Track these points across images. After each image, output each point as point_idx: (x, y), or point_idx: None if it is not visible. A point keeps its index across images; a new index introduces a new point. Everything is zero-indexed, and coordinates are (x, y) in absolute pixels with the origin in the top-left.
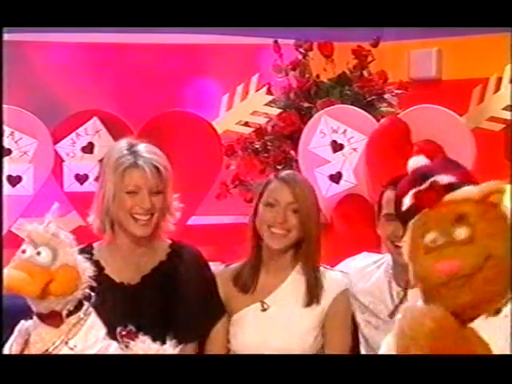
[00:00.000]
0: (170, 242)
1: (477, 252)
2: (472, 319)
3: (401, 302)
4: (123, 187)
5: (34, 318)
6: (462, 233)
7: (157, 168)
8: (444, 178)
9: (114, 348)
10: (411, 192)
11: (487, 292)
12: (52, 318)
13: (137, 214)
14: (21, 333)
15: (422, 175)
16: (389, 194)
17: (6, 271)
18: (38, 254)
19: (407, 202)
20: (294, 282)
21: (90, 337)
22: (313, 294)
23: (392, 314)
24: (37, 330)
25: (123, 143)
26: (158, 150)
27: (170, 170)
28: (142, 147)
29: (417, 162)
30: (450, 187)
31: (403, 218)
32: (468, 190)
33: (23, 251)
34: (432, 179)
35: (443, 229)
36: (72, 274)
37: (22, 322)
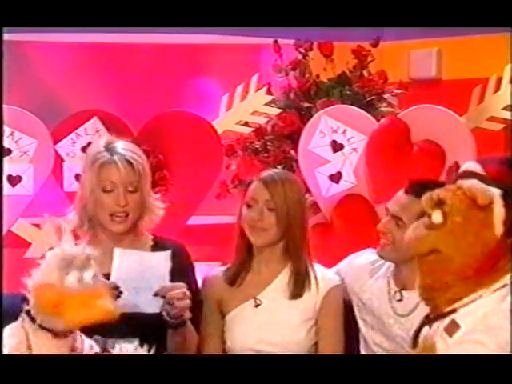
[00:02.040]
0: (152, 236)
1: (428, 240)
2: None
3: (398, 301)
4: (100, 184)
5: (33, 333)
6: (437, 217)
7: (131, 164)
8: (471, 166)
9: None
10: None
11: (436, 281)
12: (66, 334)
13: (114, 212)
14: (20, 339)
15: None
16: (399, 195)
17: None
18: (94, 277)
19: None
20: (286, 278)
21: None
22: (298, 288)
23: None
24: (42, 343)
25: (102, 141)
26: (136, 148)
27: (147, 167)
28: (120, 144)
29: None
30: (467, 175)
31: None
32: (467, 183)
33: (79, 280)
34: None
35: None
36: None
37: (14, 328)
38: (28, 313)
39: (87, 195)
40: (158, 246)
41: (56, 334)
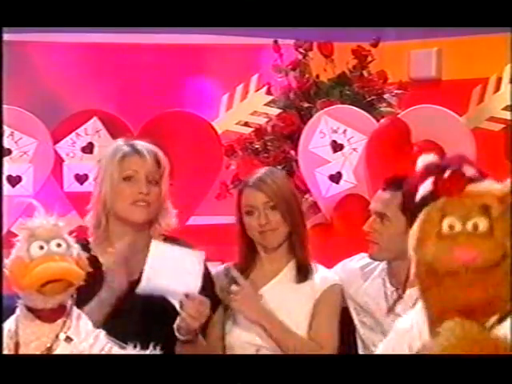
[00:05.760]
0: (163, 237)
1: (495, 247)
2: (483, 319)
3: (396, 301)
4: (121, 175)
5: (21, 318)
6: (482, 224)
7: (155, 155)
8: (467, 170)
9: (103, 336)
10: (429, 180)
11: (501, 291)
12: (54, 313)
13: (135, 200)
14: (8, 337)
15: (438, 166)
16: (379, 193)
17: (43, 266)
18: (59, 245)
19: (423, 190)
20: (289, 274)
21: (80, 329)
22: (305, 270)
23: (389, 311)
24: (30, 330)
25: (120, 140)
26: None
27: (168, 166)
28: (140, 141)
29: (427, 158)
30: (472, 179)
31: (416, 207)
32: (491, 185)
33: (41, 247)
34: (455, 168)
35: (464, 217)
36: (85, 262)
37: (4, 326)
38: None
39: (107, 190)
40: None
41: (39, 316)
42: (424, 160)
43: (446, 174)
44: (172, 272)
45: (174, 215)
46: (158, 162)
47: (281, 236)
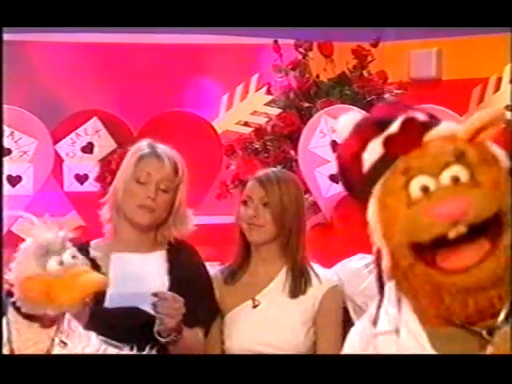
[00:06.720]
0: (168, 242)
1: (487, 197)
2: (495, 293)
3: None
4: (134, 175)
5: (15, 325)
6: (463, 174)
7: (171, 162)
8: (418, 115)
9: (94, 338)
10: (373, 143)
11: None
12: (54, 319)
13: (142, 204)
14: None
15: (378, 123)
16: None
17: (86, 278)
18: (74, 257)
19: (370, 157)
20: (284, 279)
21: (72, 332)
22: (297, 286)
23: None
24: (26, 336)
25: (144, 141)
26: (178, 153)
27: (185, 175)
28: (162, 145)
29: (353, 117)
30: (427, 125)
31: (367, 183)
32: (453, 127)
33: (60, 262)
34: (404, 118)
35: (436, 171)
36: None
37: None
38: (13, 304)
39: (120, 186)
40: (172, 249)
41: (38, 322)
42: (349, 121)
43: (395, 128)
44: (136, 278)
45: (191, 222)
46: (175, 170)
47: (265, 234)
